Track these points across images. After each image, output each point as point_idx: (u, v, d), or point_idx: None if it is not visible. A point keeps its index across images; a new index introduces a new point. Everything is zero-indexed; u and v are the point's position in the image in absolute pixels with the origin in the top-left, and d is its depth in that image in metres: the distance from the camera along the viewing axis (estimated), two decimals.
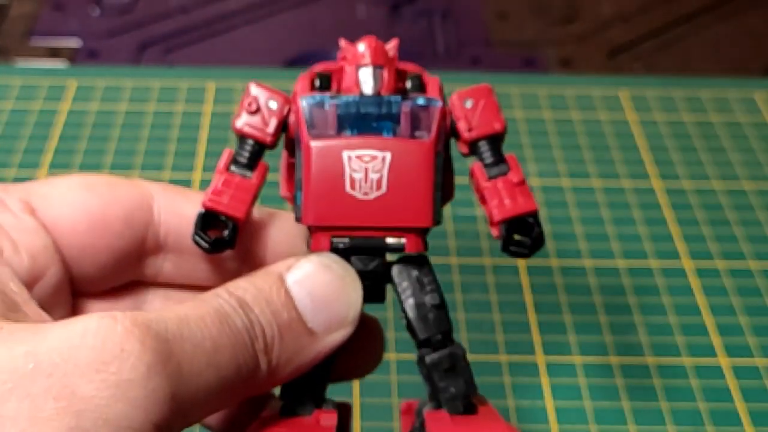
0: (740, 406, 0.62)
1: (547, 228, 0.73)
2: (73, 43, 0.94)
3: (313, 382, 0.43)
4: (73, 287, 0.45)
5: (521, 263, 0.70)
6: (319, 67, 0.45)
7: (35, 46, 0.93)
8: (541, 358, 0.64)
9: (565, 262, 0.71)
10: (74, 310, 0.45)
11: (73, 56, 0.92)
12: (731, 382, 0.63)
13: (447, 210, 0.74)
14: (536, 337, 0.65)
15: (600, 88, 0.88)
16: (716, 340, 0.66)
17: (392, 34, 0.46)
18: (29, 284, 0.42)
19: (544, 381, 0.63)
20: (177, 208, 0.46)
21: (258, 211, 0.46)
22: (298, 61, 0.93)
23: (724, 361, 0.64)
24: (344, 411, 0.44)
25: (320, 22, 0.98)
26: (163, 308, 0.41)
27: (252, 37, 0.96)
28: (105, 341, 0.36)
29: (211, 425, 0.49)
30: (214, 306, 0.39)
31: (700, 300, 0.68)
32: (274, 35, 0.97)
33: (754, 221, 0.75)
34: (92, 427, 0.35)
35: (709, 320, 0.67)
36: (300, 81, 0.44)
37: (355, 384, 0.62)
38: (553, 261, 0.71)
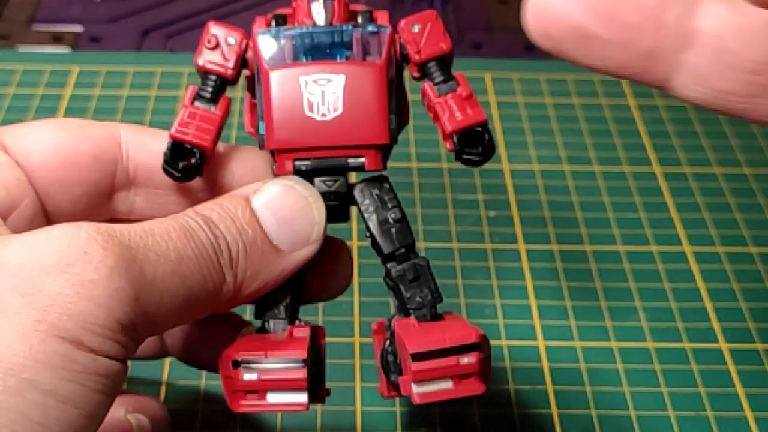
0: (740, 391, 0.62)
1: (547, 213, 0.73)
2: (75, 28, 0.94)
3: (285, 301, 0.45)
4: (49, 223, 0.46)
5: (521, 248, 0.71)
6: (276, 12, 0.48)
7: (37, 31, 0.94)
8: (541, 343, 0.64)
9: (565, 247, 0.71)
10: None
11: (75, 42, 0.92)
12: (731, 367, 0.63)
13: (447, 194, 0.75)
14: (537, 321, 0.65)
15: (601, 73, 0.88)
16: (716, 325, 0.66)
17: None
18: (3, 216, 0.43)
19: (545, 365, 0.63)
20: (144, 144, 0.47)
21: (223, 146, 0.48)
22: None
23: (724, 345, 0.65)
24: (318, 333, 0.46)
25: None
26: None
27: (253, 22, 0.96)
28: (69, 245, 0.37)
29: (186, 356, 0.51)
30: (179, 221, 0.41)
31: (701, 284, 0.69)
32: None
33: (754, 206, 0.75)
34: (57, 321, 0.36)
35: (709, 304, 0.67)
36: (257, 21, 0.47)
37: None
38: (553, 246, 0.71)
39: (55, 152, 0.46)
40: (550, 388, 0.62)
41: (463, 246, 0.71)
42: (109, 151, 0.47)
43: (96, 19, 0.95)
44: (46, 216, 0.46)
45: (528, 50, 0.94)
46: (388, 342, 0.46)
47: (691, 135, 0.82)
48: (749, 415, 0.61)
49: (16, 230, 0.42)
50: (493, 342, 0.64)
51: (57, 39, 0.92)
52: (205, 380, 0.60)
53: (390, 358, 0.45)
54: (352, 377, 0.61)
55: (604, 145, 0.80)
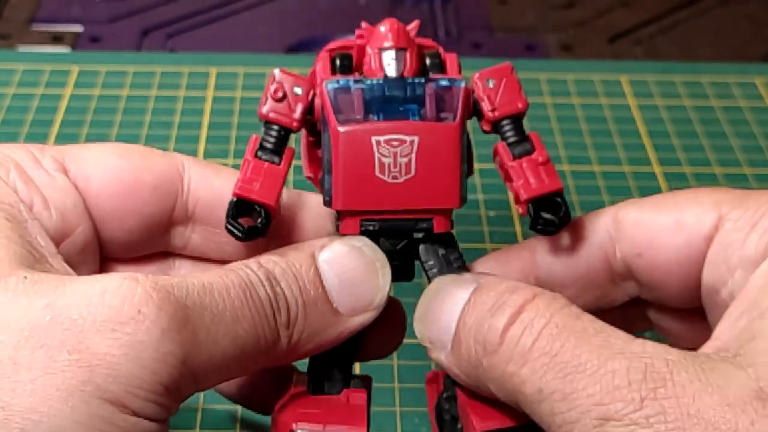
0: None
1: None
2: (75, 28, 0.94)
3: (340, 360, 0.44)
4: (103, 251, 0.46)
5: None
6: (335, 44, 0.45)
7: (37, 31, 0.94)
8: None
9: None
10: (101, 272, 0.46)
11: (75, 42, 0.92)
12: None
13: None
14: None
15: (601, 73, 0.88)
16: None
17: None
18: (57, 240, 0.42)
19: None
20: (207, 181, 0.46)
21: (286, 194, 0.46)
22: (300, 47, 0.93)
23: None
24: (366, 384, 0.45)
25: (322, 8, 0.98)
26: (189, 274, 0.41)
27: (254, 22, 0.97)
28: (123, 302, 0.37)
29: (232, 394, 0.50)
30: (240, 276, 0.40)
31: None
32: (275, 21, 0.97)
33: None
34: (103, 383, 0.36)
35: None
36: (321, 61, 0.45)
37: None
38: None
39: (115, 180, 0.45)
40: None
41: (463, 246, 0.70)
42: (170, 184, 0.46)
43: (96, 19, 0.95)
44: (100, 243, 0.46)
45: (528, 50, 0.94)
46: (444, 396, 0.44)
47: (691, 135, 0.82)
48: None
49: (68, 258, 0.42)
50: None
51: (57, 39, 0.92)
52: None
53: (447, 417, 0.44)
54: None
55: (604, 145, 0.80)
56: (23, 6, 0.96)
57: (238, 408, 0.58)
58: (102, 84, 0.84)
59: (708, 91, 0.87)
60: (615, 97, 0.85)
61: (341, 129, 0.42)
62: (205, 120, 0.81)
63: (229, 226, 0.43)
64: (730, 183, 0.77)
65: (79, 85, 0.84)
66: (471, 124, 0.45)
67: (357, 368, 0.61)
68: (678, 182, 0.77)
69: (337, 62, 0.44)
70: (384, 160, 0.42)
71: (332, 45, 0.45)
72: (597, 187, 0.76)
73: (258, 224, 0.43)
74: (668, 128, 0.82)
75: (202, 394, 0.59)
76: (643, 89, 0.86)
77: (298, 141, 0.46)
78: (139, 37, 0.93)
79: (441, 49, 0.45)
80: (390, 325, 0.46)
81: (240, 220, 0.43)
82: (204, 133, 0.79)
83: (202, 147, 0.78)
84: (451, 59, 0.45)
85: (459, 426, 0.44)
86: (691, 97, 0.86)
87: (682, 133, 0.82)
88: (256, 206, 0.43)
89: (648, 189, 0.76)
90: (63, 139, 0.78)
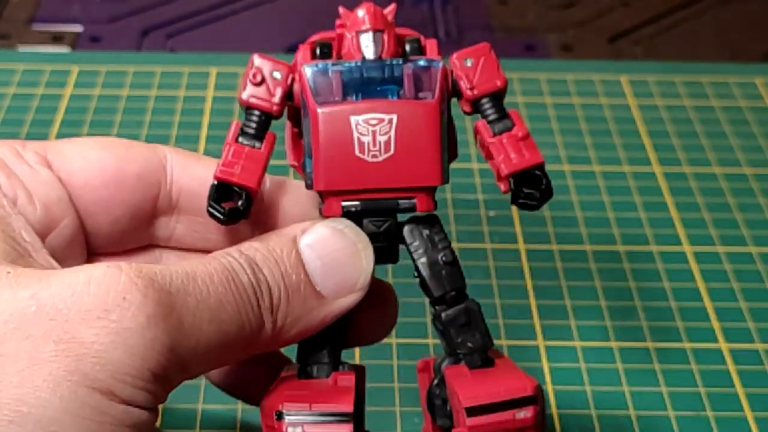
0: (740, 390, 0.62)
1: (547, 213, 0.73)
2: (75, 28, 0.94)
3: (329, 344, 0.44)
4: (89, 245, 0.46)
5: (521, 248, 0.70)
6: (316, 36, 0.46)
7: (37, 31, 0.94)
8: (541, 343, 0.64)
9: (565, 247, 0.71)
10: None
11: (75, 42, 0.92)
12: (731, 366, 0.63)
13: (447, 194, 0.75)
14: (537, 321, 0.65)
15: (601, 73, 0.88)
16: (716, 325, 0.66)
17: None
18: (42, 234, 0.43)
19: (545, 365, 0.63)
20: (189, 169, 0.47)
21: (269, 180, 0.46)
22: None
23: (723, 345, 0.65)
24: (359, 373, 0.44)
25: (322, 8, 0.98)
26: (171, 263, 0.42)
27: (254, 22, 0.97)
28: (108, 290, 0.37)
29: (227, 385, 0.50)
30: (222, 263, 0.40)
31: (701, 284, 0.69)
32: (276, 21, 0.97)
33: (754, 206, 0.75)
34: (90, 371, 0.36)
35: (708, 304, 0.67)
36: (301, 50, 0.45)
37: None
38: (553, 245, 0.71)
39: (99, 172, 0.45)
40: (550, 388, 0.61)
41: (463, 246, 0.71)
42: (154, 174, 0.46)
43: (96, 19, 0.95)
44: (86, 236, 0.46)
45: (528, 50, 0.94)
46: (435, 382, 0.45)
47: (691, 135, 0.82)
48: (749, 415, 0.61)
49: (55, 251, 0.42)
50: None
51: (57, 39, 0.92)
52: (205, 380, 0.60)
53: (438, 402, 0.44)
54: None
55: (604, 145, 0.80)
56: (23, 6, 0.96)
57: (239, 408, 0.58)
58: (102, 84, 0.84)
59: (708, 91, 0.87)
60: (615, 97, 0.85)
61: (320, 110, 0.42)
62: (205, 120, 0.81)
63: (211, 209, 0.43)
64: (730, 183, 0.77)
65: (79, 85, 0.84)
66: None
67: (357, 361, 0.61)
68: (678, 182, 0.77)
69: (317, 51, 0.45)
70: (363, 139, 0.42)
71: (313, 37, 0.46)
72: (597, 187, 0.76)
73: (239, 206, 0.43)
74: (668, 128, 0.82)
75: (201, 394, 0.59)
76: (643, 89, 0.86)
77: (283, 141, 0.46)
78: (139, 37, 0.93)
79: (422, 37, 0.45)
80: (381, 308, 0.47)
81: (222, 204, 0.43)
82: (204, 133, 0.79)
83: (202, 147, 0.78)
84: (430, 44, 0.45)
85: (449, 408, 0.44)
86: (691, 97, 0.86)
87: (682, 133, 0.82)
88: (237, 189, 0.43)
89: (648, 189, 0.76)
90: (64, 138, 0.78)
